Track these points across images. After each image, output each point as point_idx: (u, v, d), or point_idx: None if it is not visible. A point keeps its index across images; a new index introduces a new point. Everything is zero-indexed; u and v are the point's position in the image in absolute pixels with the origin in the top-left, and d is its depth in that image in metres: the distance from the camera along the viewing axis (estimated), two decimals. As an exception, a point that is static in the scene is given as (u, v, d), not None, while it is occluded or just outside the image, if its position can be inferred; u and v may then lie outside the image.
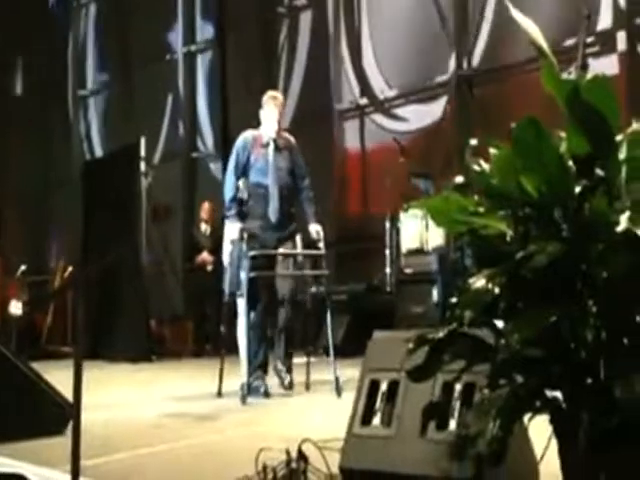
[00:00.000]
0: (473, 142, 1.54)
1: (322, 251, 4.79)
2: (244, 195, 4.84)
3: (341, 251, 8.78)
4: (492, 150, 1.50)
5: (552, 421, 1.60)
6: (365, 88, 9.50)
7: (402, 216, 7.62)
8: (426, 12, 8.78)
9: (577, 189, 1.46)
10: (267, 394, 4.66)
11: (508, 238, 1.51)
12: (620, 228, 1.31)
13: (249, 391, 4.54)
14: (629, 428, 1.37)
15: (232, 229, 4.80)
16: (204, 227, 8.50)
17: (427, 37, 8.84)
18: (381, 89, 9.34)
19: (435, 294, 6.72)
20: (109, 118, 12.25)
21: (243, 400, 4.42)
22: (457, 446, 1.56)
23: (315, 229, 4.78)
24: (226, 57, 10.30)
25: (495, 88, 8.11)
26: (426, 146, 8.48)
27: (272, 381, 4.81)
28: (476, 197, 1.65)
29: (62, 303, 8.42)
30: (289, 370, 4.78)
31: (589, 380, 1.40)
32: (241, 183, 4.85)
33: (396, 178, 7.76)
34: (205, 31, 11.12)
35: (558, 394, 1.54)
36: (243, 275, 4.64)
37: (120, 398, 4.96)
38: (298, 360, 5.07)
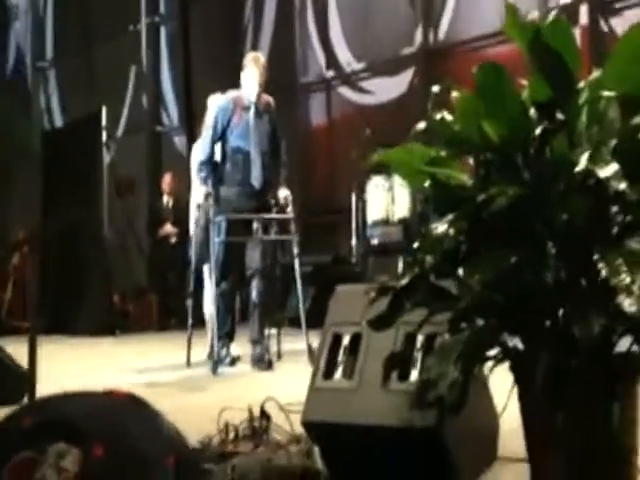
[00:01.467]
0: (435, 89, 1.53)
1: (291, 215, 4.67)
2: (218, 159, 4.62)
3: (307, 224, 8.77)
4: (454, 94, 1.48)
5: (512, 368, 1.62)
6: (331, 61, 9.44)
7: (368, 188, 7.64)
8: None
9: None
10: (233, 362, 4.62)
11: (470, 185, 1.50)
12: (579, 168, 1.30)
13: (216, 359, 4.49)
14: (586, 367, 1.39)
15: (199, 193, 4.64)
16: (166, 199, 8.41)
17: (393, 10, 8.80)
18: (348, 62, 9.29)
19: (401, 264, 6.75)
20: (70, 90, 12.00)
21: (214, 369, 4.37)
22: (419, 393, 1.56)
23: (284, 194, 4.65)
24: (190, 29, 10.13)
25: (461, 61, 8.11)
26: (393, 118, 8.46)
27: (243, 350, 4.77)
28: (438, 147, 1.65)
29: (22, 277, 8.27)
30: (267, 350, 4.60)
31: (548, 322, 1.41)
32: (217, 147, 4.63)
33: (362, 150, 7.74)
34: (169, 2, 10.91)
35: (518, 343, 1.55)
36: (212, 240, 4.49)
37: (82, 370, 4.90)
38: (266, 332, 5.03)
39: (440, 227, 1.42)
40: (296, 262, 4.75)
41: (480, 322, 1.45)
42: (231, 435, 2.15)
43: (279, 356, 4.79)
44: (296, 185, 8.35)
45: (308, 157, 9.61)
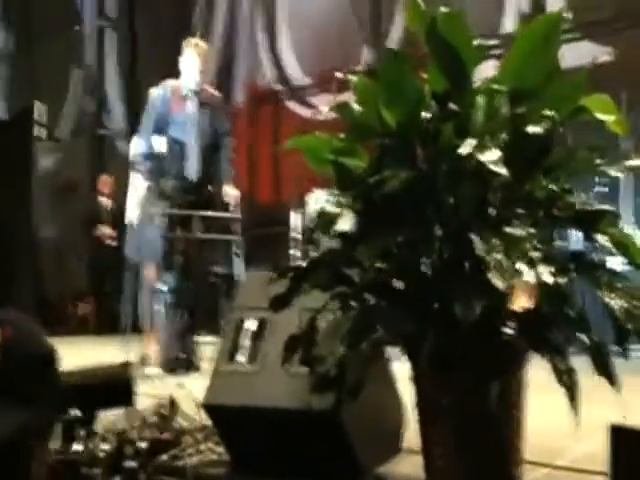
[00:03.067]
0: (339, 75, 1.57)
1: (237, 215, 4.55)
2: (161, 150, 4.42)
3: (249, 237, 8.76)
4: (353, 78, 1.53)
5: (409, 355, 1.66)
6: (280, 74, 9.51)
7: (308, 200, 7.68)
8: (341, 3, 8.88)
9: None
10: (188, 367, 4.30)
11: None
12: (463, 151, 1.36)
13: (169, 363, 4.27)
14: (469, 349, 1.43)
15: (139, 186, 4.44)
16: (105, 201, 8.31)
17: (342, 28, 8.92)
18: (296, 76, 9.37)
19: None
20: (10, 88, 11.77)
21: (141, 371, 4.12)
22: (315, 376, 1.59)
23: (232, 193, 4.52)
24: (137, 32, 10.08)
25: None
26: (337, 133, 8.55)
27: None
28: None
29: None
30: (194, 352, 4.45)
31: (436, 303, 1.45)
32: (157, 138, 4.42)
33: (306, 164, 7.79)
34: (117, 3, 10.83)
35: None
36: (151, 235, 4.32)
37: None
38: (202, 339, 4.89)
39: (333, 208, 1.46)
40: (237, 261, 4.59)
41: (371, 301, 1.50)
42: (136, 422, 2.15)
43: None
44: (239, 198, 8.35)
45: (253, 169, 9.64)
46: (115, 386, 1.85)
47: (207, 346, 4.72)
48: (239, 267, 4.63)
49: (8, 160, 7.59)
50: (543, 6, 7.31)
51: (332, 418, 1.77)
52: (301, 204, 7.82)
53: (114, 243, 7.95)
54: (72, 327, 8.21)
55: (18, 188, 7.55)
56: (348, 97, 1.67)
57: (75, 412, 1.74)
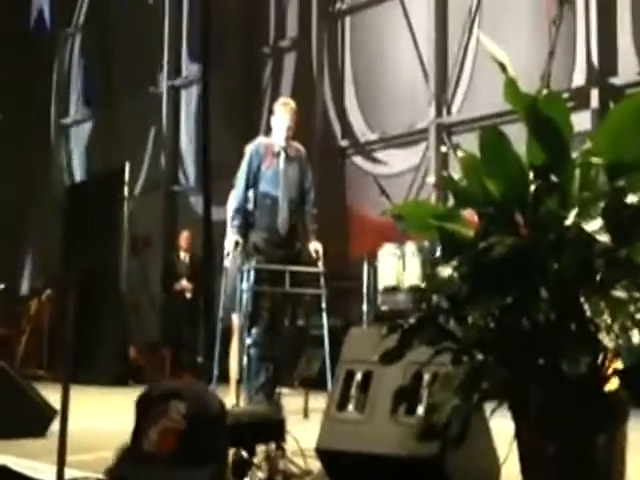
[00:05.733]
0: (444, 149, 1.74)
1: (320, 269, 4.68)
2: (250, 206, 4.64)
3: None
4: (460, 154, 1.69)
5: (510, 405, 1.78)
6: (346, 130, 9.75)
7: (380, 255, 7.81)
8: (408, 61, 9.11)
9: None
10: None
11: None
12: (568, 222, 1.50)
13: None
14: (575, 403, 1.55)
15: (229, 241, 4.64)
16: (183, 255, 8.65)
17: (407, 83, 9.15)
18: (362, 132, 9.61)
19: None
20: (91, 148, 12.40)
21: None
22: (424, 425, 1.72)
23: (314, 247, 4.67)
24: (209, 93, 10.52)
25: (473, 136, 8.33)
26: (405, 188, 8.70)
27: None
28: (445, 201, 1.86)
29: (38, 325, 8.44)
30: (277, 404, 4.34)
31: (541, 359, 1.58)
32: (250, 193, 4.65)
33: (375, 218, 7.94)
34: (190, 65, 11.37)
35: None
36: (241, 289, 4.47)
37: (101, 412, 4.99)
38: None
39: (445, 271, 1.61)
40: (324, 316, 4.72)
41: (480, 356, 1.63)
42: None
43: (306, 414, 4.53)
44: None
45: (323, 224, 9.82)
46: (271, 424, 2.15)
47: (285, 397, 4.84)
48: (324, 320, 4.75)
49: (100, 217, 8.00)
50: (615, 60, 7.38)
51: (437, 465, 1.89)
52: (372, 259, 7.96)
53: (189, 295, 8.26)
54: (148, 377, 8.48)
55: (108, 244, 7.93)
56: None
57: (242, 450, 2.01)
